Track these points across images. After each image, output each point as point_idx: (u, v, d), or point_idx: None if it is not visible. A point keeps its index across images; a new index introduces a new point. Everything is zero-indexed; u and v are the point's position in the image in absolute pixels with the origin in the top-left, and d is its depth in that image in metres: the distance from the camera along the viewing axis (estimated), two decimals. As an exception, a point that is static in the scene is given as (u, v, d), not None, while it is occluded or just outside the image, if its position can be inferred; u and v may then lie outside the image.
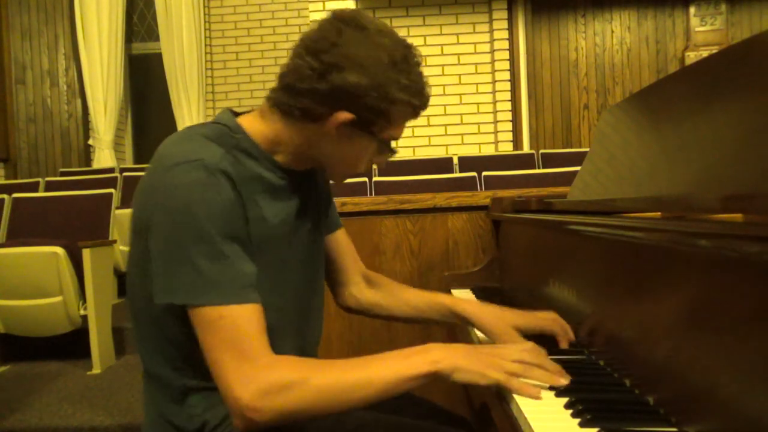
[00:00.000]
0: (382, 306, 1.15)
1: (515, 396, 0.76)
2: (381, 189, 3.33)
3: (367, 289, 1.16)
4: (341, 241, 1.14)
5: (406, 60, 0.87)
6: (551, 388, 0.78)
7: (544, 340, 0.96)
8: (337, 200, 1.51)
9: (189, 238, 0.79)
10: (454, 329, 1.31)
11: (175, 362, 0.91)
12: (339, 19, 0.87)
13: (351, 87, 0.84)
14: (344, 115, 0.86)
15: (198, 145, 0.85)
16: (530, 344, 0.86)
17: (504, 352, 0.83)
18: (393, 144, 0.95)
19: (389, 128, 0.90)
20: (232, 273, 0.80)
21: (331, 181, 1.04)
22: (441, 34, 4.97)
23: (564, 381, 0.79)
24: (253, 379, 0.76)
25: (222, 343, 0.78)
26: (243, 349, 0.78)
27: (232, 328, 0.78)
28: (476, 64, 4.97)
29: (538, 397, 0.76)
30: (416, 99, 0.89)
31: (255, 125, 0.92)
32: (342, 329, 1.89)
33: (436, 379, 0.80)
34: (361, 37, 0.85)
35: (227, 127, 0.90)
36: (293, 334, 0.98)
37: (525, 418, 0.69)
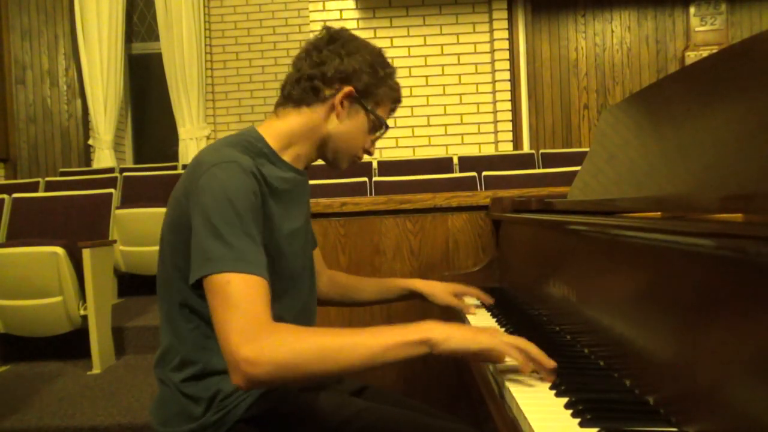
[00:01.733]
0: (342, 294, 1.38)
1: (515, 396, 0.76)
2: (381, 189, 3.33)
3: (330, 284, 1.38)
4: (317, 258, 1.33)
5: (382, 54, 1.14)
6: (551, 387, 0.78)
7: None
8: (337, 200, 1.51)
9: (224, 221, 0.91)
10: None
11: (199, 342, 1.01)
12: (329, 28, 1.13)
13: (350, 68, 1.08)
14: (347, 89, 1.08)
15: (232, 152, 1.00)
16: (520, 339, 0.88)
17: (496, 332, 0.89)
18: (385, 122, 1.15)
19: (378, 108, 1.13)
20: (254, 250, 0.92)
21: (336, 171, 1.20)
22: (441, 34, 4.97)
23: (552, 363, 0.82)
24: (255, 336, 0.82)
25: (228, 305, 0.85)
26: (247, 311, 0.85)
27: (238, 293, 0.86)
28: (476, 64, 4.97)
29: (527, 365, 0.82)
30: (395, 85, 1.16)
31: (272, 126, 1.10)
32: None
33: (426, 349, 0.84)
34: (350, 37, 1.12)
35: (251, 138, 1.07)
36: (301, 318, 1.12)
37: (525, 418, 0.69)
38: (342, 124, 1.11)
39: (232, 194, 0.93)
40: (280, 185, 1.06)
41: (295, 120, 1.10)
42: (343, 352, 0.83)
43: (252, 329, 0.83)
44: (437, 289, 1.37)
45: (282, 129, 1.10)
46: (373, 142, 1.18)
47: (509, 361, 0.85)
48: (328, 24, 1.16)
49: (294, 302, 1.11)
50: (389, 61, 1.16)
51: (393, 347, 0.83)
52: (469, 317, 1.30)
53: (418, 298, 1.39)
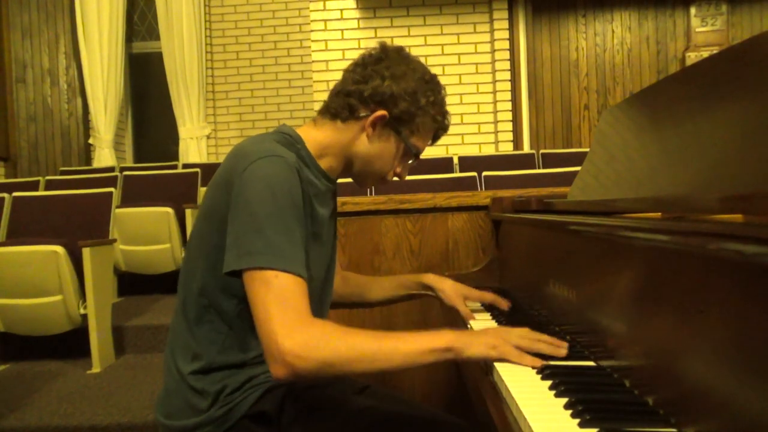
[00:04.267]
0: (355, 294, 1.37)
1: (515, 396, 0.76)
2: (381, 189, 3.33)
3: (344, 285, 1.37)
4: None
5: (434, 81, 1.11)
6: (551, 388, 0.78)
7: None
8: (338, 200, 1.51)
9: (265, 214, 0.92)
10: (452, 324, 1.32)
11: (212, 336, 1.02)
12: (384, 45, 1.11)
13: (388, 91, 1.06)
14: (380, 112, 1.06)
15: (274, 146, 1.00)
16: (525, 329, 0.95)
17: (506, 333, 0.93)
18: (416, 151, 1.13)
19: (414, 135, 1.11)
20: (295, 249, 0.93)
21: (360, 188, 1.21)
22: (441, 34, 4.97)
23: (563, 351, 0.90)
24: (299, 332, 0.85)
25: (274, 298, 0.88)
26: (291, 307, 0.88)
27: (284, 289, 0.89)
28: (477, 64, 4.97)
29: (536, 363, 0.87)
30: (440, 115, 1.12)
31: (310, 132, 1.11)
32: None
33: (451, 356, 0.90)
34: (401, 58, 1.09)
35: (291, 137, 1.08)
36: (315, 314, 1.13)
37: (525, 419, 0.69)
38: (371, 145, 1.10)
39: (278, 189, 0.94)
40: (311, 189, 1.06)
41: (330, 132, 1.10)
42: (380, 355, 0.87)
43: (298, 325, 0.86)
44: (447, 286, 1.31)
45: (318, 138, 1.10)
46: (405, 168, 1.16)
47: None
48: (383, 42, 1.14)
49: (313, 289, 1.09)
50: (440, 85, 1.12)
51: (426, 352, 0.88)
52: (471, 322, 1.30)
53: (428, 295, 1.35)
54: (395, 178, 1.17)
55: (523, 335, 0.92)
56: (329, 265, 1.19)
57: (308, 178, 1.06)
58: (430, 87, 1.10)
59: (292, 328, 0.86)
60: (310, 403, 1.04)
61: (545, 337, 0.93)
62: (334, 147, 1.10)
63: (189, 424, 1.02)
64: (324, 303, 1.19)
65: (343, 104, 1.08)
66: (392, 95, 1.06)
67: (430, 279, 1.33)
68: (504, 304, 1.29)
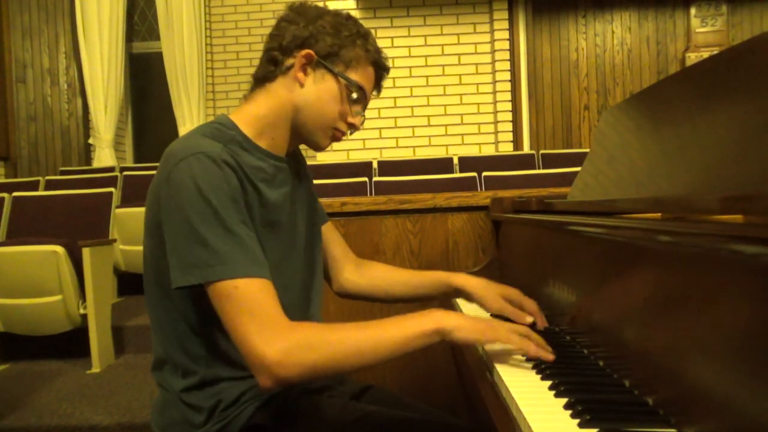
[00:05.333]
0: (377, 286, 1.25)
1: (515, 396, 0.76)
2: (381, 189, 3.33)
3: (359, 274, 1.26)
4: (329, 233, 1.25)
5: (352, 18, 1.06)
6: (551, 388, 0.78)
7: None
8: (337, 200, 1.51)
9: (201, 220, 0.86)
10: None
11: (195, 351, 0.98)
12: (289, 6, 1.06)
13: (306, 33, 1.01)
14: (305, 52, 1.00)
15: (198, 141, 0.93)
16: (522, 326, 0.94)
17: (499, 324, 0.92)
18: (358, 85, 1.04)
19: (350, 69, 1.03)
20: (243, 250, 0.87)
21: (317, 151, 1.11)
22: (442, 35, 4.97)
23: (551, 356, 0.87)
24: (278, 339, 0.82)
25: (241, 310, 0.83)
26: (262, 314, 0.84)
27: (249, 297, 0.84)
28: (477, 64, 4.97)
29: (536, 354, 0.87)
30: (371, 47, 1.05)
31: (243, 112, 1.03)
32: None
33: (439, 338, 0.87)
34: (313, 6, 1.05)
35: (221, 125, 1.00)
36: (298, 311, 1.07)
37: (524, 418, 0.69)
38: (308, 92, 1.01)
39: (206, 188, 0.87)
40: (255, 174, 0.98)
41: (263, 100, 1.03)
42: (366, 348, 0.84)
43: (274, 332, 0.83)
44: (488, 293, 1.15)
45: (252, 113, 1.02)
46: (355, 113, 1.06)
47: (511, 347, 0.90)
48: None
49: (290, 281, 1.05)
50: (362, 27, 1.06)
51: (412, 338, 0.86)
52: (463, 307, 1.29)
53: (460, 297, 1.22)
54: (349, 131, 1.07)
55: (514, 329, 0.91)
56: (305, 249, 1.11)
57: (250, 163, 0.97)
58: (350, 22, 1.04)
59: (269, 337, 0.82)
60: (307, 410, 1.02)
61: (536, 337, 0.91)
62: (272, 114, 1.02)
63: None
64: (312, 291, 1.12)
65: (266, 63, 1.03)
66: (312, 34, 1.01)
67: (461, 281, 1.20)
68: (542, 322, 1.11)
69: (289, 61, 1.01)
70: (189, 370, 0.98)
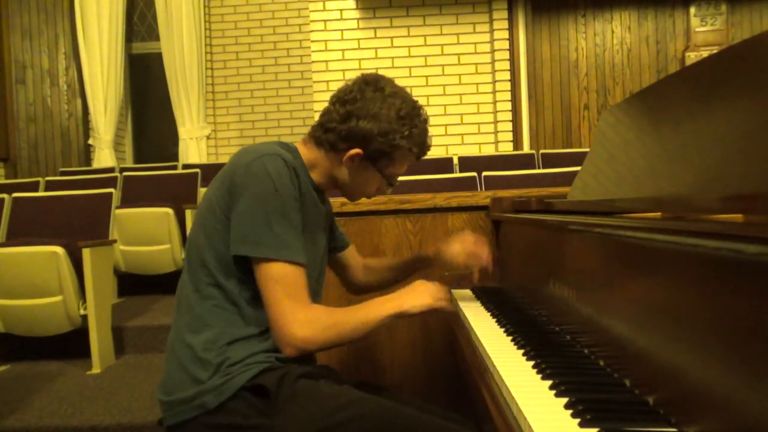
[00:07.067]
0: (375, 280, 1.53)
1: (515, 396, 0.76)
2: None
3: (365, 274, 1.53)
4: (352, 254, 1.52)
5: (410, 116, 1.20)
6: (551, 387, 0.78)
7: None
8: (338, 200, 1.51)
9: (273, 210, 1.07)
10: (452, 324, 1.32)
11: (223, 314, 1.11)
12: (364, 79, 1.22)
13: (363, 131, 1.17)
14: (355, 151, 1.19)
15: (275, 148, 1.14)
16: (434, 284, 1.20)
17: (427, 285, 1.19)
18: (395, 179, 1.28)
19: (392, 167, 1.23)
20: (296, 241, 1.09)
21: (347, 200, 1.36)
22: (441, 34, 4.97)
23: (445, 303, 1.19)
24: (306, 322, 1.06)
25: (283, 289, 1.06)
26: (298, 297, 1.07)
27: (293, 281, 1.07)
28: (476, 64, 4.97)
29: (452, 309, 1.26)
30: (416, 147, 1.23)
31: (301, 149, 1.23)
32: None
33: (401, 316, 1.15)
34: (378, 96, 1.18)
35: (289, 147, 1.21)
36: (312, 295, 1.25)
37: (525, 418, 0.69)
38: (350, 176, 1.23)
39: (279, 183, 1.07)
40: (305, 192, 1.16)
41: (316, 156, 1.23)
42: (359, 326, 1.11)
43: (303, 313, 1.06)
44: (447, 256, 1.46)
45: (307, 156, 1.22)
46: (387, 187, 1.29)
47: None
48: (364, 75, 1.23)
49: (310, 279, 1.23)
50: (422, 116, 1.22)
51: (383, 320, 1.13)
52: (466, 311, 1.32)
53: (433, 264, 1.50)
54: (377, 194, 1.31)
55: (432, 293, 1.18)
56: (321, 256, 1.31)
57: (304, 181, 1.16)
58: (406, 122, 1.18)
59: (302, 320, 1.05)
60: (303, 389, 1.06)
61: (444, 294, 1.20)
62: (320, 167, 1.23)
63: (189, 395, 1.05)
64: (320, 285, 1.31)
65: (324, 138, 1.20)
66: (365, 136, 1.17)
67: (431, 251, 1.51)
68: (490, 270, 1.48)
69: (341, 146, 1.19)
70: (209, 324, 1.10)
